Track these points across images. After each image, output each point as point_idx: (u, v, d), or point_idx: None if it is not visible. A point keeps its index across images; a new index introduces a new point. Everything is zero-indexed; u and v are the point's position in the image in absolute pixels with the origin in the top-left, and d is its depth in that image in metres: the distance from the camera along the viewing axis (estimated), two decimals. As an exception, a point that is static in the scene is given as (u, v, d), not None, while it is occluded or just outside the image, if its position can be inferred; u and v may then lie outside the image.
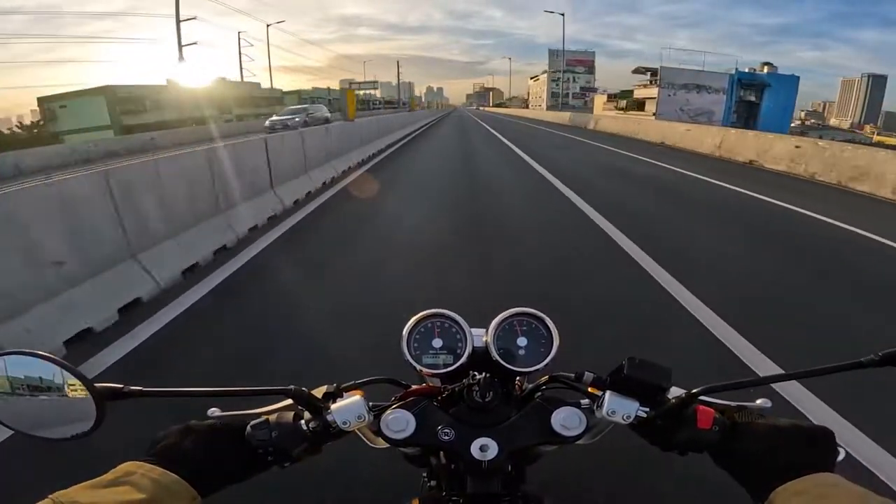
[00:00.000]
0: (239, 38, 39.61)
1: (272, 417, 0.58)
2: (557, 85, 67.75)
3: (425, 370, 0.67)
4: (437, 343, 0.68)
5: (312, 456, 0.60)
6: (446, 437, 0.57)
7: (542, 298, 3.23)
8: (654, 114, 35.02)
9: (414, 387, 0.67)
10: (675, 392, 0.57)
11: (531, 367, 0.66)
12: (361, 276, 3.83)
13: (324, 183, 7.70)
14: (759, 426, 0.54)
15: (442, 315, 0.70)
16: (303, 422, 0.57)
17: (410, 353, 0.68)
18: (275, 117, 22.04)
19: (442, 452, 0.64)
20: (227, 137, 15.16)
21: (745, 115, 37.90)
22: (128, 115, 29.00)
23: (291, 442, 0.56)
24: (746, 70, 40.44)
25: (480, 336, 0.69)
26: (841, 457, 0.51)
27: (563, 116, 33.34)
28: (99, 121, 27.72)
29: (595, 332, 2.76)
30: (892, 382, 1.51)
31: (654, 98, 38.62)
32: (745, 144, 11.48)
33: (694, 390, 0.55)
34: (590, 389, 0.61)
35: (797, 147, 9.72)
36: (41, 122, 29.53)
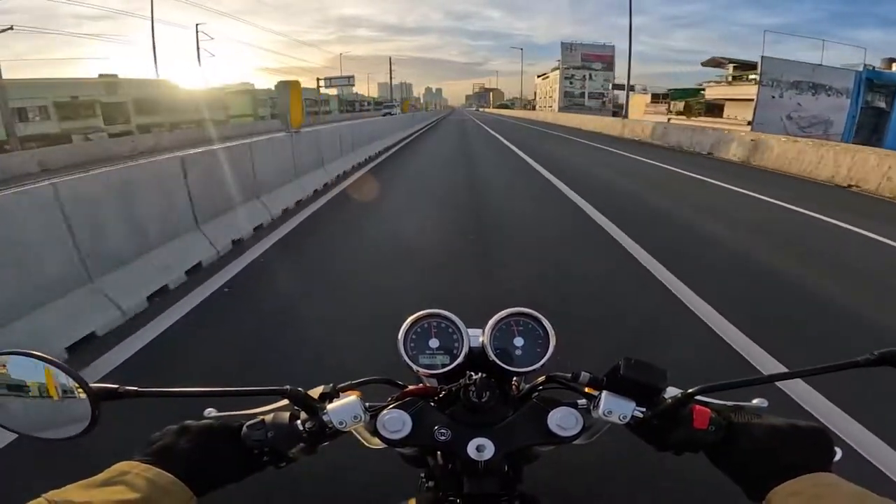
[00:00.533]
0: (197, 31, 35.96)
1: (268, 418, 0.58)
2: (571, 83, 59.14)
3: (422, 370, 0.67)
4: (434, 343, 0.68)
5: (309, 456, 0.60)
6: (443, 438, 0.57)
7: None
8: (748, 122, 25.02)
9: (410, 387, 0.67)
10: (671, 392, 0.58)
11: (528, 367, 0.66)
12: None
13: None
14: (755, 426, 0.54)
15: (438, 315, 0.70)
16: (299, 422, 0.57)
17: (407, 354, 0.68)
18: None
19: (439, 453, 0.64)
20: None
21: (871, 128, 26.04)
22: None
23: (287, 442, 0.56)
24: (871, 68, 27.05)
25: (477, 336, 0.69)
26: (838, 456, 0.51)
27: (603, 123, 23.57)
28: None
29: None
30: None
31: (743, 100, 27.69)
32: None
33: (690, 390, 0.56)
34: (586, 389, 0.61)
35: None
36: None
